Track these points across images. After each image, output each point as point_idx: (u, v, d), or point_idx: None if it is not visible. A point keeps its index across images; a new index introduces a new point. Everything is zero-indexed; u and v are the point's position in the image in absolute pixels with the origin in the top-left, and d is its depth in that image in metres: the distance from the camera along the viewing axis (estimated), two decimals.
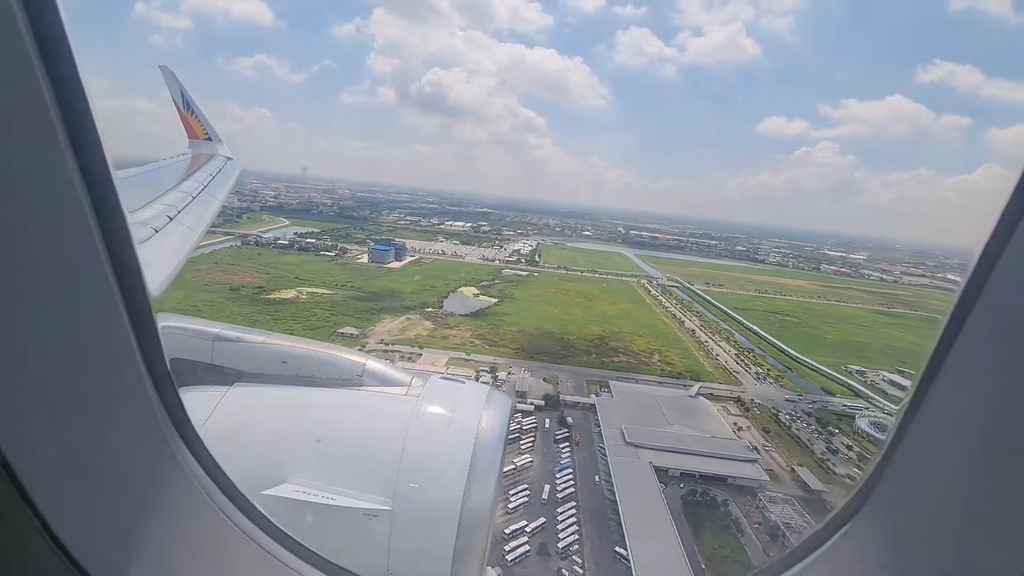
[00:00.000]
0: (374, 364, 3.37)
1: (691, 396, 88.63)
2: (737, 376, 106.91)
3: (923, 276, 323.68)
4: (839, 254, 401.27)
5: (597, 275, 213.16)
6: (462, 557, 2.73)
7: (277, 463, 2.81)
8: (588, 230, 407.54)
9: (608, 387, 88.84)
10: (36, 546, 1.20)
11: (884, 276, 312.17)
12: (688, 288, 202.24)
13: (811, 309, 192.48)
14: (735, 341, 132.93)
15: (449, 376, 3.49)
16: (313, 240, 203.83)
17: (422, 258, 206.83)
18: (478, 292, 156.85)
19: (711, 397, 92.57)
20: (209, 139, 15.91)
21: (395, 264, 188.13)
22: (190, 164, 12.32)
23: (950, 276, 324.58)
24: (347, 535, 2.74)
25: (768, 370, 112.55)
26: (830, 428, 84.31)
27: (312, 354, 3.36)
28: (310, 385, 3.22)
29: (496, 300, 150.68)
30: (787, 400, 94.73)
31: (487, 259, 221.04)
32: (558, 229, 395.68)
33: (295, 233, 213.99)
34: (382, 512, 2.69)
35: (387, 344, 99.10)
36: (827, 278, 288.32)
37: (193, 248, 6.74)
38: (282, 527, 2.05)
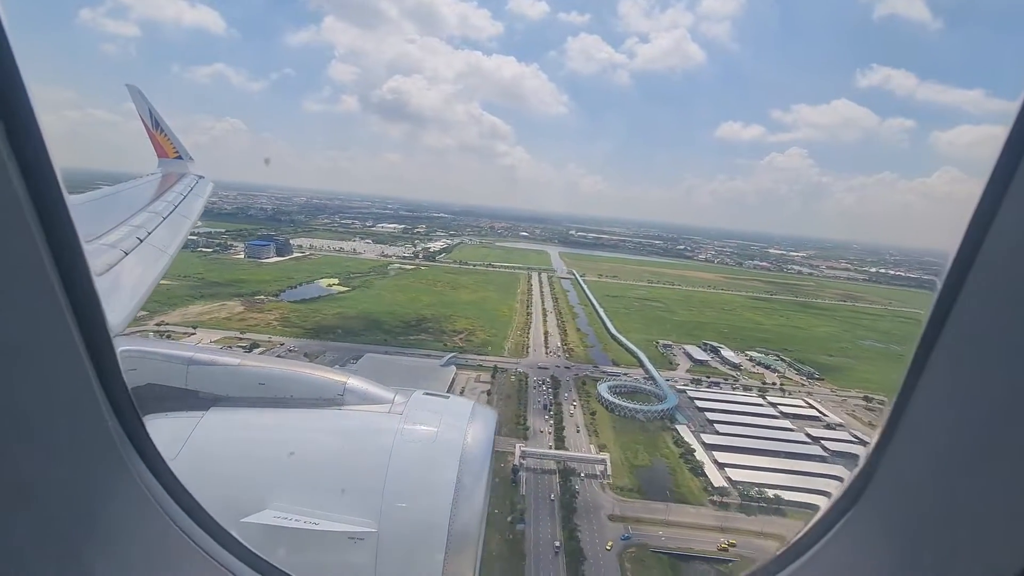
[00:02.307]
0: (355, 382, 3.27)
1: (442, 365, 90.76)
2: (528, 350, 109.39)
3: (846, 270, 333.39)
4: (778, 252, 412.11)
5: (492, 268, 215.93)
6: None
7: (258, 489, 2.74)
8: (525, 232, 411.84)
9: (359, 358, 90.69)
10: None
11: (803, 270, 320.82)
12: (577, 279, 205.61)
13: (689, 296, 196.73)
14: (567, 323, 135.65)
15: (432, 392, 3.43)
16: (195, 237, 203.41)
17: (311, 254, 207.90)
18: (335, 283, 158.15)
19: (478, 367, 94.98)
20: (179, 157, 15.49)
21: (272, 259, 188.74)
22: (160, 184, 12.07)
23: (873, 269, 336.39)
24: (332, 560, 2.67)
25: (570, 344, 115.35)
26: (563, 391, 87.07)
27: (290, 374, 3.29)
28: (289, 406, 3.15)
29: (348, 289, 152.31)
30: (540, 367, 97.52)
31: (386, 255, 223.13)
32: (500, 231, 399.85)
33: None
34: (368, 535, 2.63)
35: (161, 325, 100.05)
36: (743, 272, 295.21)
37: (165, 269, 6.64)
38: (260, 554, 2.00)
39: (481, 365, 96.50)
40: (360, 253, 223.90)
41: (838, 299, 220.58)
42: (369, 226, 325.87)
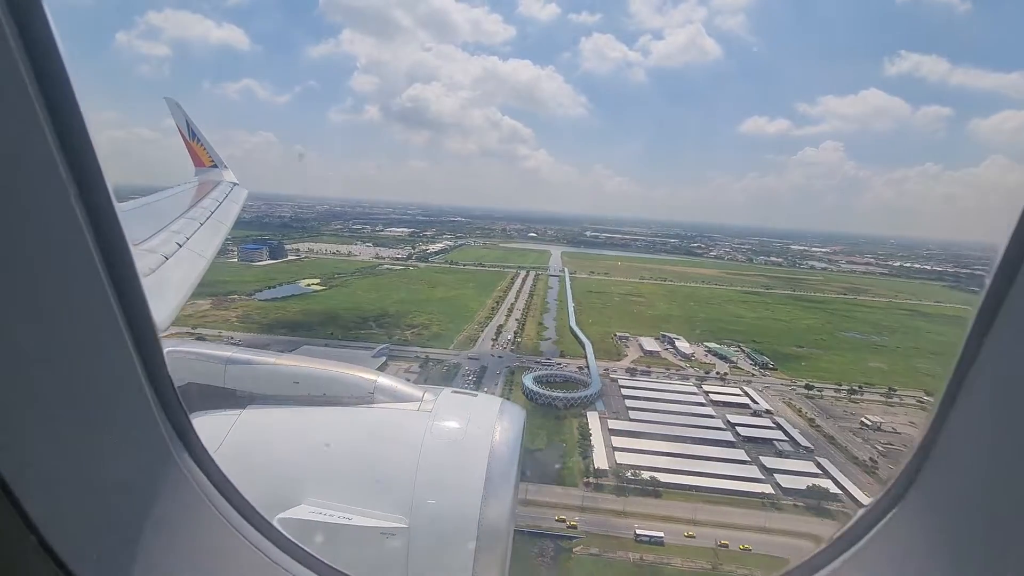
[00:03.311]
0: (385, 380, 3.32)
1: (373, 356, 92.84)
2: (476, 343, 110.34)
3: (867, 264, 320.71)
4: (801, 248, 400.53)
5: (482, 268, 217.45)
6: (482, 573, 2.72)
7: (293, 484, 2.82)
8: (535, 233, 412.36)
9: (295, 349, 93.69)
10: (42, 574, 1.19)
11: (817, 265, 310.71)
12: (565, 277, 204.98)
13: (676, 291, 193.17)
14: (529, 317, 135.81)
15: (461, 390, 3.50)
16: None
17: (305, 257, 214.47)
18: (315, 282, 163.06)
19: (413, 358, 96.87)
20: (215, 166, 15.99)
21: (265, 262, 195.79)
22: (197, 192, 12.40)
23: (897, 263, 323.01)
24: (365, 554, 2.71)
25: (523, 338, 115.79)
26: (488, 381, 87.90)
27: (323, 373, 3.33)
28: (322, 404, 3.21)
29: (324, 288, 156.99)
30: (471, 359, 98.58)
31: (379, 257, 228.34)
32: (512, 233, 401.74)
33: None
34: (399, 530, 2.68)
35: None
36: (751, 268, 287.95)
37: (203, 272, 6.82)
38: (301, 545, 2.09)
39: (418, 356, 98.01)
40: (356, 255, 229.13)
41: (841, 292, 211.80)
42: (378, 231, 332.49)
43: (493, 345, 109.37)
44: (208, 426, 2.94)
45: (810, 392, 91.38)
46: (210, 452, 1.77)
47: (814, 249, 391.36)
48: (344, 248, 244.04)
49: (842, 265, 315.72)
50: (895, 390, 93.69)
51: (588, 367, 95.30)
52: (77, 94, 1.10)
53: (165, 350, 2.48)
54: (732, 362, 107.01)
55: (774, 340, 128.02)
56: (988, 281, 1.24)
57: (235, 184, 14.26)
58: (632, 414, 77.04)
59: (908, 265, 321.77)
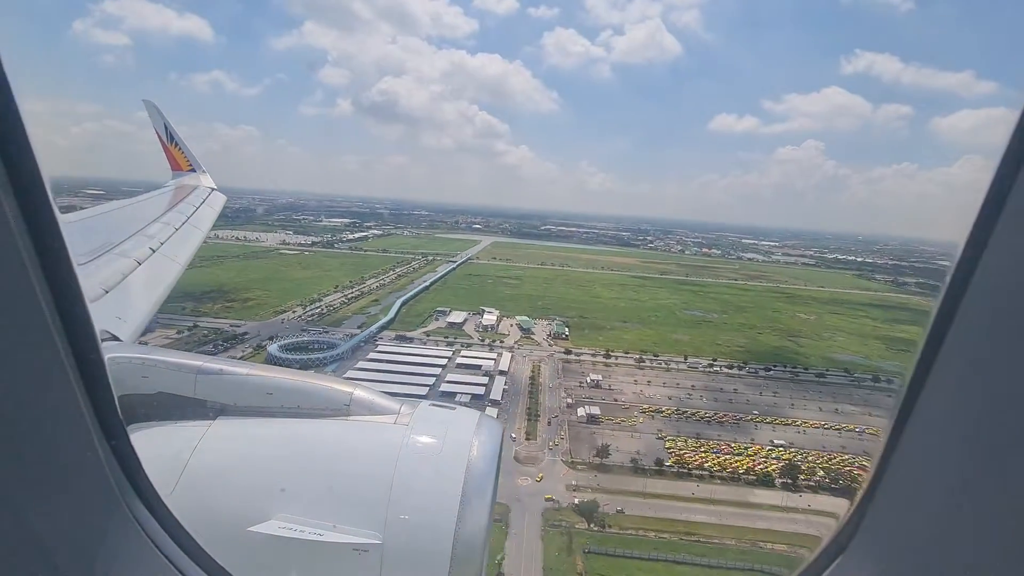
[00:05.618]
0: (361, 393, 3.24)
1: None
2: (284, 317, 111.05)
3: (799, 257, 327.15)
4: (750, 242, 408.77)
5: (384, 254, 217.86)
6: None
7: (263, 498, 2.71)
8: (479, 225, 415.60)
9: None
10: None
11: (744, 255, 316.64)
12: (457, 263, 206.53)
13: (560, 275, 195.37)
14: (370, 295, 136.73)
15: (439, 403, 3.41)
16: None
17: (213, 242, 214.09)
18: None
19: (182, 327, 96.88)
20: (193, 170, 15.78)
21: None
22: (173, 196, 12.27)
23: (832, 256, 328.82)
24: (336, 572, 2.65)
25: (338, 313, 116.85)
26: (241, 346, 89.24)
27: (298, 385, 3.25)
28: (296, 416, 3.13)
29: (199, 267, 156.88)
30: (233, 326, 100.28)
31: (285, 243, 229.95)
32: (461, 226, 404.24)
33: None
34: (372, 546, 2.61)
35: None
36: (677, 257, 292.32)
37: (176, 278, 6.66)
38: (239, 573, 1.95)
39: (189, 325, 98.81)
40: (261, 241, 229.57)
41: (740, 278, 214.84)
42: (316, 221, 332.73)
43: (294, 317, 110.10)
44: (178, 438, 2.90)
45: (568, 357, 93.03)
46: (175, 467, 1.71)
47: (761, 243, 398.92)
48: (255, 235, 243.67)
49: (774, 257, 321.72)
50: (657, 355, 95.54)
51: (358, 335, 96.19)
52: (14, 90, 1.04)
53: (133, 356, 2.52)
54: (528, 333, 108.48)
55: (603, 316, 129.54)
56: (938, 300, 1.19)
57: (212, 189, 14.23)
58: (349, 374, 77.70)
59: (842, 258, 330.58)
